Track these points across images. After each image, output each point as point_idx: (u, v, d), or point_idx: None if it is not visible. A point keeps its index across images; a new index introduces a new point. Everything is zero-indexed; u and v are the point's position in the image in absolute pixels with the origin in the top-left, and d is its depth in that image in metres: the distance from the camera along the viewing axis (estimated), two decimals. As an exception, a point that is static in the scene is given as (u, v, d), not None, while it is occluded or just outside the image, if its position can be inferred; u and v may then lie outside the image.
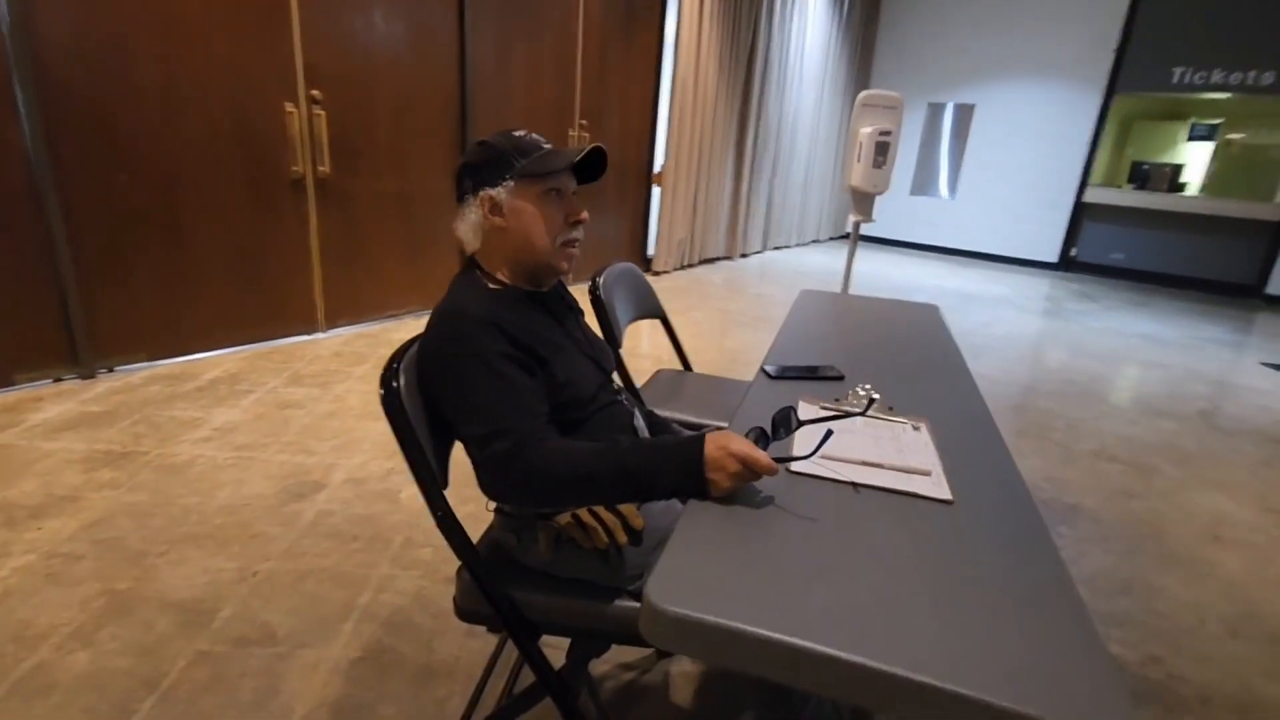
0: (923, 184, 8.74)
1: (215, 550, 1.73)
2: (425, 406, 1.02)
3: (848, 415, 1.07)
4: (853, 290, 3.89)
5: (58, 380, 2.63)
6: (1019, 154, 7.98)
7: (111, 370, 2.76)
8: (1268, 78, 6.59)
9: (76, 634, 1.43)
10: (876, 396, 1.21)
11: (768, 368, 1.39)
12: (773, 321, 4.51)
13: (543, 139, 1.08)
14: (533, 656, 1.05)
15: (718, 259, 6.76)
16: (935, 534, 0.83)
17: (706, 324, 4.32)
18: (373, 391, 2.81)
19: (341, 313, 3.57)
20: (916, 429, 1.14)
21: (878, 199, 3.37)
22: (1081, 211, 7.78)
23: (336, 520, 1.91)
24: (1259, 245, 6.98)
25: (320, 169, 3.27)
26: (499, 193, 1.04)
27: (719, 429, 1.57)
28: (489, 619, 1.08)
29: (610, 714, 1.36)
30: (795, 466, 0.96)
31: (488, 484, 0.95)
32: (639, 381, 1.98)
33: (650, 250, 5.89)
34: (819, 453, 0.92)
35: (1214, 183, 7.47)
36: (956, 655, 0.63)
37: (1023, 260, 8.24)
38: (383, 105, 3.49)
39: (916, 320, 1.96)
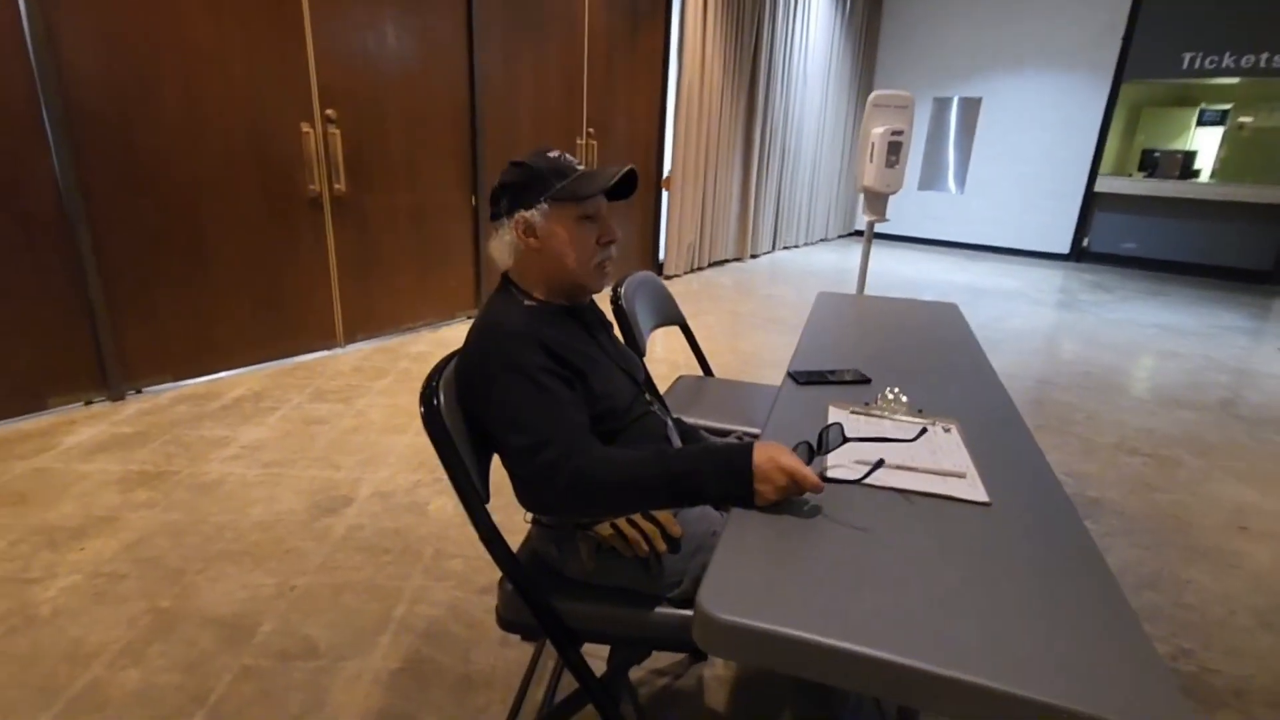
0: (931, 179, 8.72)
1: (252, 566, 1.77)
2: (465, 421, 1.04)
3: (897, 441, 1.05)
4: (865, 286, 3.89)
5: (88, 403, 2.68)
6: (1027, 145, 7.94)
7: (139, 391, 2.82)
8: None
9: (125, 651, 1.47)
10: (922, 418, 1.19)
11: (794, 373, 1.41)
12: (785, 323, 4.52)
13: (576, 160, 1.10)
14: (576, 665, 1.07)
15: (727, 261, 6.78)
16: (975, 536, 0.84)
17: (719, 327, 4.34)
18: (396, 405, 2.85)
19: (360, 327, 3.62)
20: (947, 430, 1.15)
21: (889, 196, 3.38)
22: (1092, 201, 7.73)
23: (367, 534, 1.94)
24: (1274, 230, 6.91)
25: (336, 186, 3.32)
26: (533, 215, 1.06)
27: (750, 435, 1.59)
28: (531, 629, 1.10)
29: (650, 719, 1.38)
30: (835, 474, 0.97)
31: (532, 495, 0.98)
32: (661, 388, 2.00)
33: (662, 255, 5.92)
34: (856, 462, 0.94)
35: (1226, 168, 7.40)
36: (1005, 655, 0.64)
37: (1034, 252, 8.19)
38: (395, 121, 3.54)
39: (937, 320, 1.98)
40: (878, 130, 2.90)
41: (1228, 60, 6.75)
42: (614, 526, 1.05)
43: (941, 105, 8.45)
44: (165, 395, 2.82)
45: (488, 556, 1.00)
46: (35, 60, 2.34)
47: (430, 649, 1.52)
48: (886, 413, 1.20)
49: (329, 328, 3.47)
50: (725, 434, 1.65)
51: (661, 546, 1.05)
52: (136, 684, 1.38)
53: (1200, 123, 7.53)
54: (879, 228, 8.72)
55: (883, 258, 7.58)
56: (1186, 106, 7.56)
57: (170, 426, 2.53)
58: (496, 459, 1.07)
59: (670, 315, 2.11)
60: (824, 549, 0.80)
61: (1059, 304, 5.71)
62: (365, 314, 3.63)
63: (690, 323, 2.13)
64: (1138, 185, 7.48)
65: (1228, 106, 7.29)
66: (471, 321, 1.15)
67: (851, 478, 0.95)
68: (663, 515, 1.07)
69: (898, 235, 8.99)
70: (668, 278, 5.79)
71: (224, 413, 2.68)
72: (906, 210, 8.76)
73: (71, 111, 2.46)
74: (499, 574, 1.06)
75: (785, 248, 7.91)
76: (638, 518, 1.06)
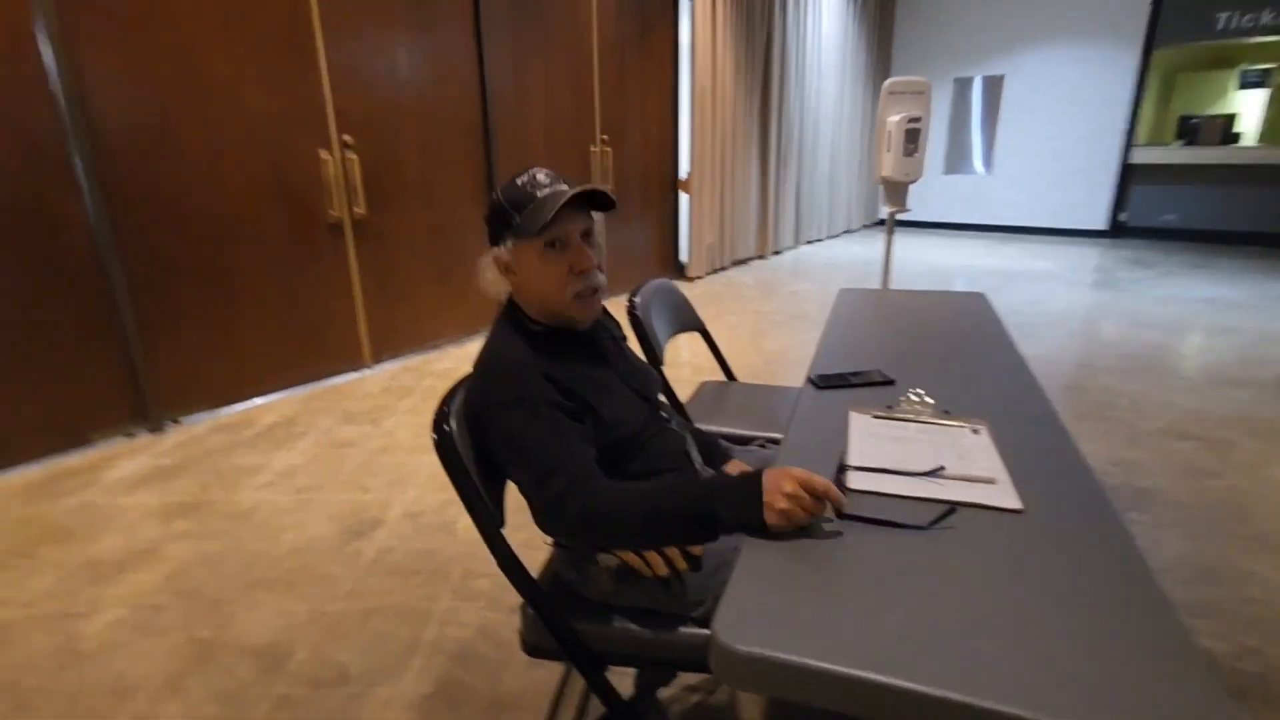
0: (956, 162, 8.51)
1: (285, 593, 1.79)
2: (476, 450, 1.03)
3: (908, 475, 0.96)
4: (891, 279, 3.81)
5: (130, 436, 2.76)
6: (1056, 121, 7.70)
7: (178, 422, 2.89)
8: (1323, 14, 6.22)
9: (166, 684, 1.49)
10: (949, 420, 1.13)
11: (814, 377, 1.37)
12: (809, 319, 4.45)
13: (544, 180, 1.02)
14: (601, 688, 1.05)
15: (749, 260, 6.71)
16: (1007, 547, 0.80)
17: (742, 328, 4.29)
18: (422, 424, 2.87)
19: (385, 347, 3.67)
20: (976, 432, 1.10)
21: (910, 185, 3.29)
22: (1129, 174, 7.45)
23: (397, 556, 1.95)
24: (1326, 192, 6.57)
25: (356, 210, 3.37)
26: (502, 252, 1.04)
27: (773, 441, 1.55)
28: (555, 653, 1.09)
29: (682, 738, 1.35)
30: (852, 484, 0.93)
31: (545, 525, 0.96)
32: (684, 394, 1.97)
33: (683, 257, 5.89)
34: (879, 473, 0.90)
35: (1271, 130, 7.06)
36: (1043, 681, 0.60)
37: (1068, 230, 7.93)
38: (410, 142, 3.58)
39: (964, 312, 1.91)
40: (894, 118, 2.83)
41: (1266, 17, 6.44)
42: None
43: (963, 86, 8.24)
44: (202, 425, 2.89)
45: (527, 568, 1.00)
46: (64, 106, 2.42)
47: (460, 671, 1.52)
48: (911, 416, 1.16)
49: (356, 349, 3.53)
50: (748, 440, 1.62)
51: (682, 565, 1.02)
52: (178, 716, 1.40)
53: (1241, 85, 7.20)
54: (904, 216, 8.53)
55: (909, 245, 7.42)
56: (1225, 69, 7.24)
57: (206, 456, 2.59)
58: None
59: (689, 321, 2.09)
60: (844, 570, 0.76)
61: (1097, 283, 5.51)
62: (390, 334, 3.68)
63: (714, 324, 2.10)
64: (1176, 154, 7.18)
65: (1270, 66, 6.96)
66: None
67: (917, 522, 0.84)
68: (682, 534, 1.04)
69: (924, 222, 8.79)
70: (690, 280, 5.75)
71: (257, 440, 2.74)
72: (932, 196, 8.57)
73: (99, 154, 2.54)
74: (521, 597, 1.04)
75: (808, 242, 7.80)
76: (656, 538, 1.03)
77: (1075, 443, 1.07)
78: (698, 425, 1.67)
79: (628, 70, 4.99)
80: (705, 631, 1.02)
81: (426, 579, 1.85)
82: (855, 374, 1.38)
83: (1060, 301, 4.88)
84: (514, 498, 1.03)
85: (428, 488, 2.32)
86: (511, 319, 1.09)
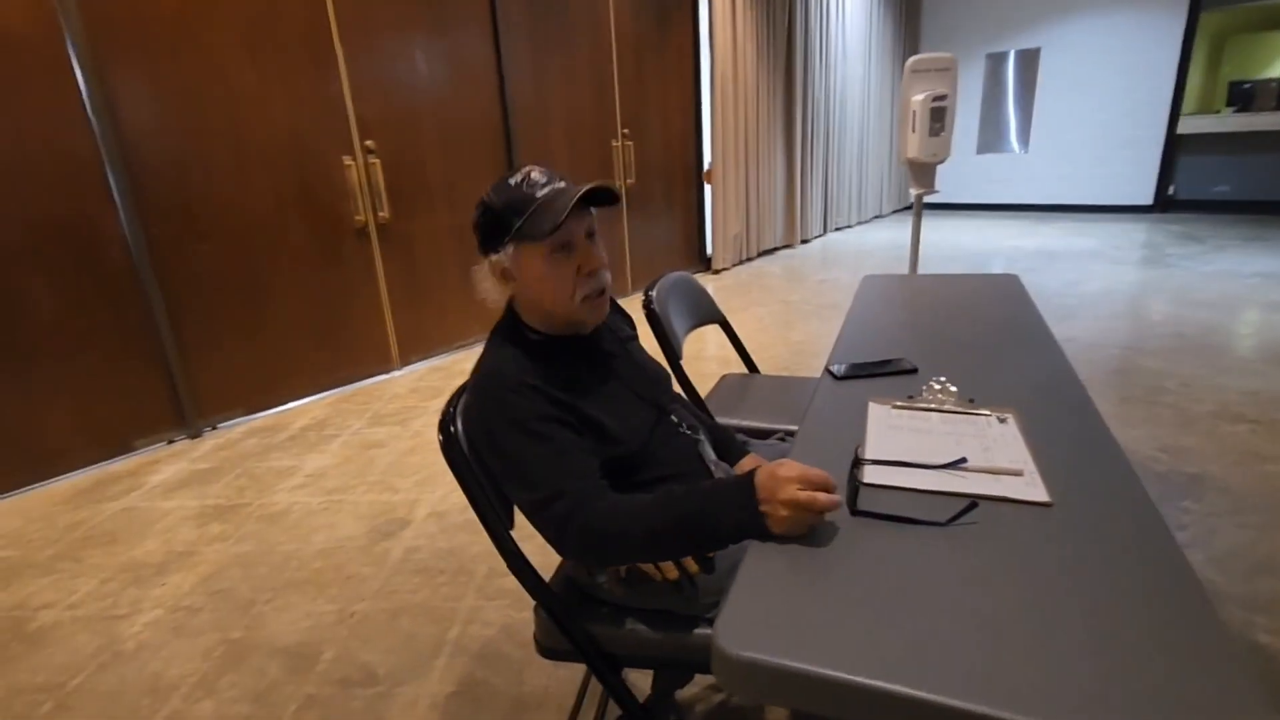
0: (990, 141, 8.24)
1: (315, 594, 1.82)
2: (478, 461, 1.02)
3: (926, 468, 0.91)
4: (923, 264, 3.70)
5: (170, 442, 2.85)
6: (1096, 93, 7.39)
7: (215, 428, 2.97)
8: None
9: (201, 684, 1.53)
10: (974, 409, 1.08)
11: (833, 368, 1.33)
12: (839, 308, 4.35)
13: (540, 179, 0.96)
14: (617, 690, 1.03)
15: (777, 249, 6.61)
16: (1033, 544, 0.75)
17: (770, 319, 4.22)
18: (449, 423, 2.89)
19: (414, 349, 3.71)
20: (1003, 421, 1.05)
21: (940, 166, 3.18)
22: (1176, 145, 7.11)
23: (423, 555, 1.97)
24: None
25: (381, 214, 3.41)
26: (502, 258, 0.98)
27: (790, 433, 1.51)
28: (570, 654, 1.07)
29: (705, 739, 1.33)
30: (868, 479, 0.89)
31: (551, 544, 0.94)
32: (707, 387, 1.94)
33: (709, 250, 5.83)
34: (896, 466, 0.86)
35: (1331, 92, 6.67)
36: (1069, 691, 0.56)
37: (1112, 207, 7.62)
38: (431, 145, 3.61)
39: (994, 295, 1.83)
40: (918, 97, 2.73)
41: (1324, -28, 6.07)
42: (642, 548, 1.00)
43: (996, 61, 7.97)
44: (238, 429, 2.97)
45: (542, 569, 0.98)
46: (96, 124, 2.50)
47: (484, 671, 1.52)
48: (933, 406, 1.11)
49: (384, 352, 3.58)
50: (769, 434, 1.58)
51: (694, 568, 0.99)
52: (210, 715, 1.44)
53: (1297, 46, 6.81)
54: (937, 198, 8.32)
55: (943, 229, 7.22)
56: (1278, 30, 6.84)
57: (242, 460, 2.66)
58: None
59: (708, 314, 2.05)
60: (855, 572, 0.73)
61: (1143, 260, 5.27)
62: (418, 335, 3.72)
63: (741, 315, 2.07)
64: (1227, 122, 6.83)
65: (1328, 23, 6.56)
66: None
67: (936, 520, 0.79)
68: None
69: (958, 204, 8.55)
70: (716, 272, 5.69)
71: (290, 443, 2.80)
72: (966, 176, 8.32)
73: (132, 168, 2.62)
74: (540, 595, 1.03)
75: (838, 229, 7.65)
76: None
77: (1111, 430, 1.01)
78: (718, 419, 1.64)
79: (647, 62, 4.95)
80: (720, 632, 0.99)
81: (452, 578, 1.86)
82: (875, 363, 1.33)
83: (1105, 281, 4.68)
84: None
85: (454, 487, 2.33)
86: (508, 330, 1.04)
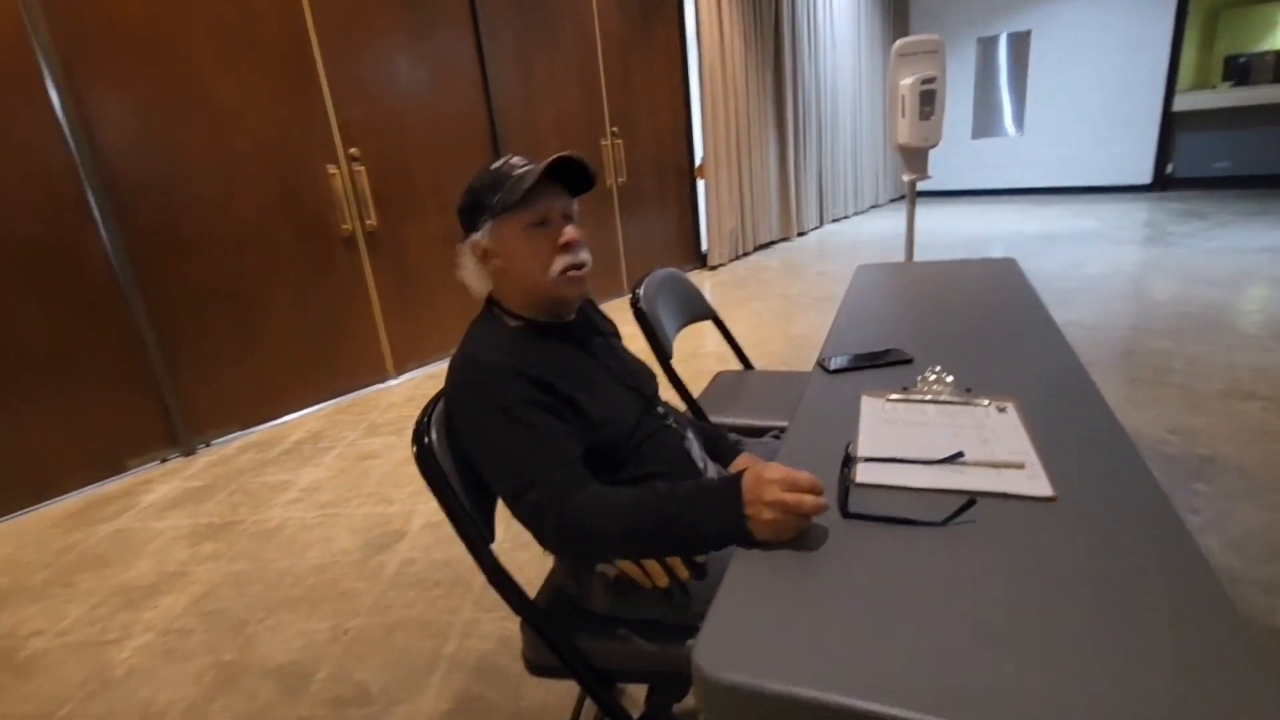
0: (985, 125, 8.17)
1: (309, 612, 1.78)
2: (459, 460, 0.98)
3: (918, 463, 0.88)
4: (921, 251, 3.65)
5: (163, 460, 2.81)
6: (1090, 73, 7.31)
7: (209, 444, 2.94)
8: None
9: (191, 709, 1.49)
10: (971, 398, 1.03)
11: (825, 361, 1.28)
12: (836, 300, 4.26)
13: (519, 162, 0.99)
14: (609, 707, 0.99)
15: (773, 243, 6.56)
16: (1036, 541, 0.71)
17: (768, 313, 4.17)
18: (444, 431, 2.85)
19: (409, 356, 3.67)
20: (1002, 411, 1.00)
21: (933, 151, 3.13)
22: (1172, 122, 7.03)
23: (418, 568, 1.93)
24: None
25: (368, 222, 3.37)
26: (482, 237, 0.99)
27: (783, 429, 1.46)
28: (559, 670, 1.03)
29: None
30: (860, 478, 0.85)
31: (532, 535, 0.90)
32: (704, 385, 1.90)
33: (704, 246, 5.77)
34: (890, 463, 0.81)
35: (1329, 62, 6.58)
36: (1077, 702, 0.51)
37: (1111, 187, 7.54)
38: (417, 150, 3.57)
39: (993, 280, 1.78)
40: (906, 81, 2.68)
41: (1318, -60, 5.98)
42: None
43: (987, 44, 7.90)
44: (232, 445, 2.93)
45: (535, 581, 0.94)
46: (73, 142, 2.46)
47: (481, 686, 1.48)
48: (928, 397, 1.06)
49: (379, 361, 3.54)
50: (762, 431, 1.54)
51: (684, 574, 0.95)
52: (200, 742, 1.40)
53: (1292, 16, 6.72)
54: (933, 185, 8.26)
55: (941, 216, 7.15)
56: (1273, 1, 6.76)
57: (236, 476, 2.62)
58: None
59: (699, 311, 2.01)
60: (846, 580, 0.68)
61: (1145, 239, 5.20)
62: (412, 343, 3.68)
63: (738, 311, 2.02)
64: (1224, 97, 6.75)
65: (1324, -8, 6.48)
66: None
67: (932, 519, 0.75)
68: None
69: (954, 190, 8.47)
70: (712, 268, 5.64)
71: (285, 457, 2.76)
72: (961, 162, 8.25)
73: (112, 185, 2.58)
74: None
75: (834, 220, 7.59)
76: (654, 545, 0.97)
77: (1118, 413, 0.96)
78: (712, 417, 1.60)
79: (633, 59, 4.90)
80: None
81: (448, 590, 1.82)
82: (871, 355, 1.28)
83: (1107, 262, 4.62)
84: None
85: (449, 496, 2.30)
86: (486, 320, 1.03)
